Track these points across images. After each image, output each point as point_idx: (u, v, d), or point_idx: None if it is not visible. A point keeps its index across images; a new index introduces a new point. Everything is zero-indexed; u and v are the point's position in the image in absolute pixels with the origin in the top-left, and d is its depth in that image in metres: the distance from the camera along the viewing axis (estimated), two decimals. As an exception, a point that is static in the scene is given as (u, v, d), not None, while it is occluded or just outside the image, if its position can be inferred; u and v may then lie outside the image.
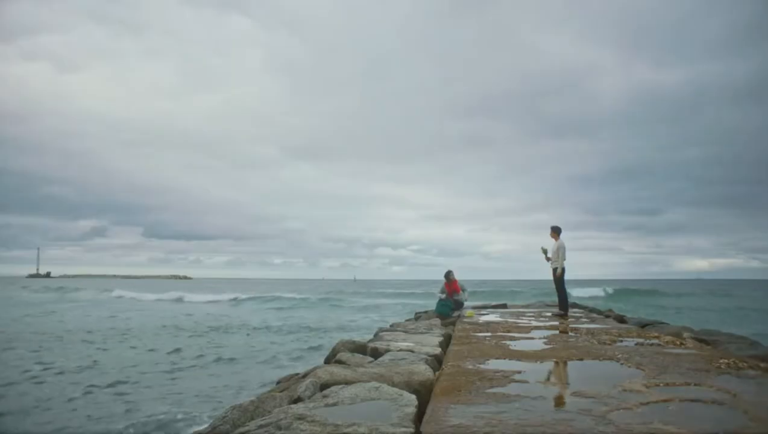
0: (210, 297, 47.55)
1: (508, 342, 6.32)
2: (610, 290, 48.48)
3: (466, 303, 12.71)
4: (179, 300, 45.93)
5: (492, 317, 10.51)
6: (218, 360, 13.60)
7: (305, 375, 5.59)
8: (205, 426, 3.76)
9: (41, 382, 10.54)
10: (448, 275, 11.83)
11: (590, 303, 16.55)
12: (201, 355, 14.36)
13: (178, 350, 15.16)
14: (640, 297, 44.81)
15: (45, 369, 11.79)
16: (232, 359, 13.71)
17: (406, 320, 12.65)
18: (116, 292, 54.02)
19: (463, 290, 12.03)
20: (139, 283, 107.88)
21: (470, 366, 4.67)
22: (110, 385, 10.24)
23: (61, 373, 11.44)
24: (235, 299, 45.42)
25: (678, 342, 6.16)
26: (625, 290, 50.43)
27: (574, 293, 40.73)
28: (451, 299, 11.74)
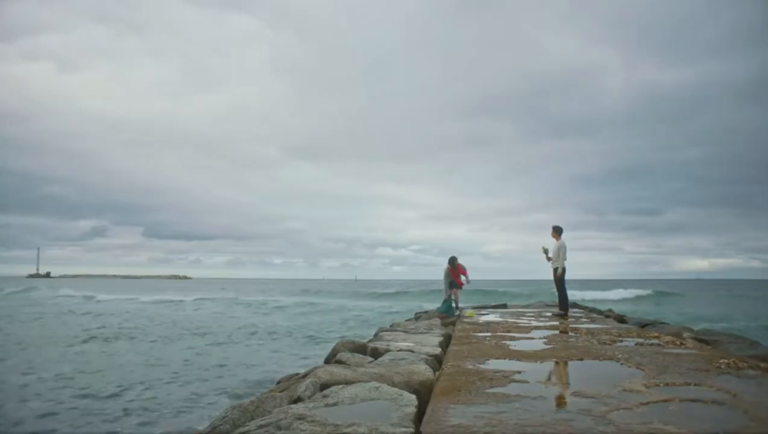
0: (167, 297, 44.44)
1: (508, 342, 6.32)
2: (634, 294, 44.17)
3: (464, 305, 12.69)
4: (134, 300, 42.19)
5: (492, 317, 10.51)
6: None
7: (305, 375, 5.59)
8: (206, 425, 3.76)
9: None
10: (453, 261, 11.52)
11: (625, 309, 15.57)
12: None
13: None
14: (677, 299, 42.13)
15: None
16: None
17: (406, 320, 12.64)
18: (64, 291, 51.77)
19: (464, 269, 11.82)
20: (128, 284, 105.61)
21: (470, 366, 4.67)
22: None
23: None
24: (200, 299, 41.72)
25: (678, 342, 6.17)
26: (659, 293, 46.25)
27: (598, 296, 38.47)
28: (452, 298, 11.60)
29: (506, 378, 4.14)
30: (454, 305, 11.77)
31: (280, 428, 2.85)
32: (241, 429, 2.94)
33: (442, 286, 11.93)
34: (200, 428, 4.71)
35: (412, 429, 2.81)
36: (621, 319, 10.22)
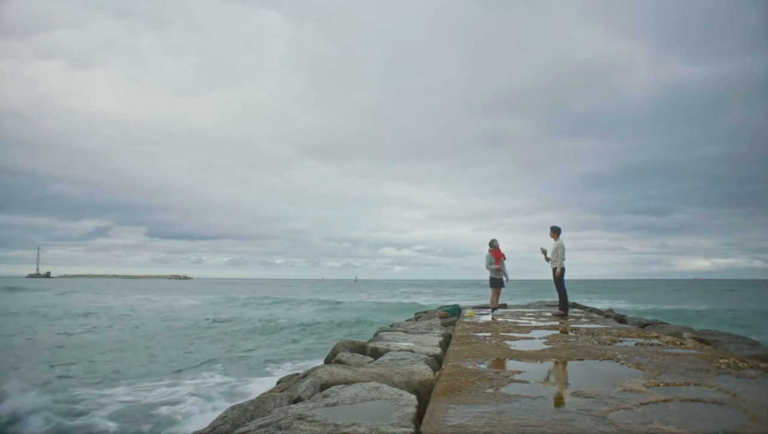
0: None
1: (508, 342, 6.32)
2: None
3: (464, 305, 12.67)
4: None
5: (492, 317, 10.50)
6: None
7: (305, 375, 5.59)
8: (206, 426, 3.76)
9: None
10: (493, 242, 10.99)
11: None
12: None
13: None
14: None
15: None
16: None
17: (406, 320, 12.65)
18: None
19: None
20: (124, 284, 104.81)
21: (470, 366, 4.67)
22: None
23: None
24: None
25: (678, 342, 6.17)
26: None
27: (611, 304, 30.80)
28: (502, 272, 10.98)
29: (506, 378, 4.14)
30: (460, 311, 11.68)
31: (280, 428, 2.85)
32: (241, 429, 2.94)
33: (490, 274, 11.07)
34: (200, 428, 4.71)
35: (412, 429, 2.82)
36: (621, 319, 10.22)
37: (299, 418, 2.99)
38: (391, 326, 10.13)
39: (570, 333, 7.28)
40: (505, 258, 11.05)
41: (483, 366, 4.69)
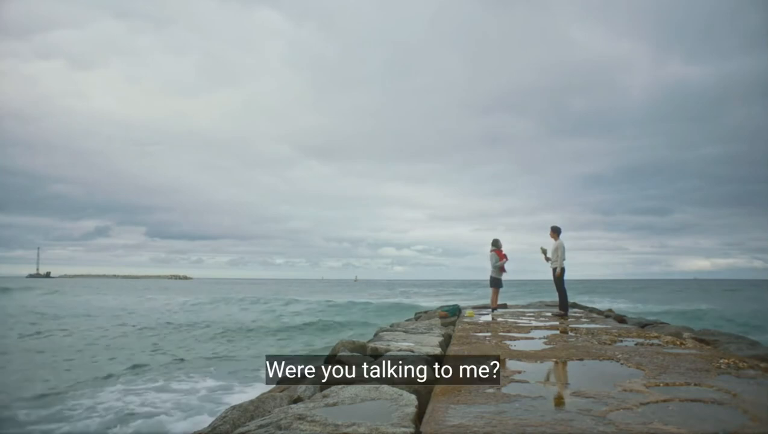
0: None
1: (508, 342, 6.32)
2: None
3: (464, 305, 12.66)
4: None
5: (492, 317, 10.50)
6: None
7: (305, 375, 5.59)
8: (206, 426, 3.76)
9: None
10: (497, 242, 11.05)
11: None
12: None
13: None
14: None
15: None
16: None
17: (406, 320, 12.64)
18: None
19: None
20: (123, 284, 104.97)
21: (470, 366, 4.67)
22: None
23: None
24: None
25: (678, 342, 6.17)
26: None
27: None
28: (504, 272, 11.07)
29: (506, 378, 4.14)
30: (459, 311, 11.69)
31: (280, 428, 2.85)
32: (241, 429, 2.94)
33: (492, 274, 11.12)
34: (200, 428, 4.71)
35: (412, 429, 2.81)
36: (621, 319, 10.22)
37: (299, 418, 2.99)
38: (391, 326, 10.12)
39: (570, 333, 7.28)
40: (507, 259, 11.11)
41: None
